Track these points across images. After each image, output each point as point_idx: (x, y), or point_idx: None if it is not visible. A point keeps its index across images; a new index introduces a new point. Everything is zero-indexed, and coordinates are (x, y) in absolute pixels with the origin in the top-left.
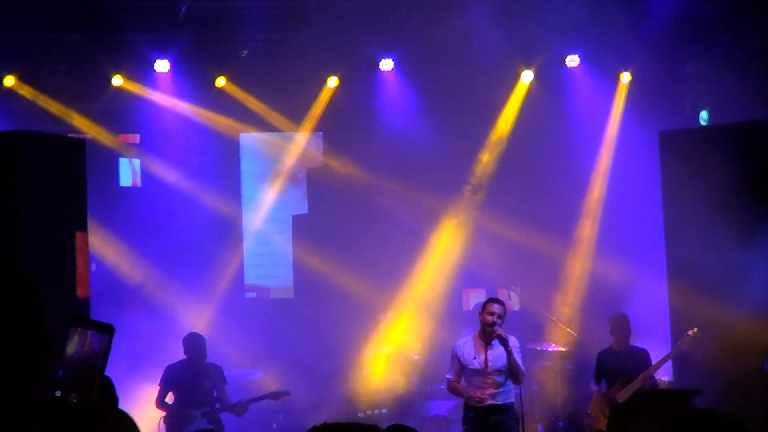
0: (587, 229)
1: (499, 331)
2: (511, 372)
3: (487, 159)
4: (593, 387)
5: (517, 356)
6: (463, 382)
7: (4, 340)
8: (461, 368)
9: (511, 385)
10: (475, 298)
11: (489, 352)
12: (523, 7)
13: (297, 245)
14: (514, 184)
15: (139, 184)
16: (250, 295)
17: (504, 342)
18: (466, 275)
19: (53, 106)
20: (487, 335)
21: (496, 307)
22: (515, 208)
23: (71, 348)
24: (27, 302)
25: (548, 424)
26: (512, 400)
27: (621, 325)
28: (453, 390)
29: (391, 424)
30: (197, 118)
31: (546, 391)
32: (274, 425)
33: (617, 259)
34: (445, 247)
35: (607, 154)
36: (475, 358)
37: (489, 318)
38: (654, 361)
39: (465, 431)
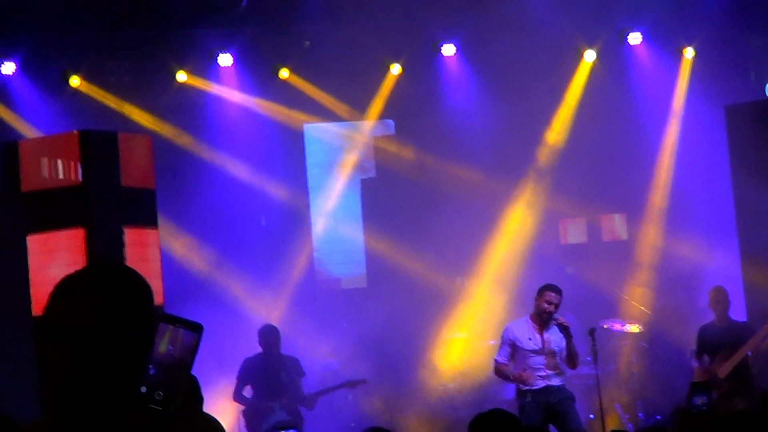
0: (656, 206)
1: (560, 319)
2: (570, 357)
3: (553, 140)
4: (694, 363)
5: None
6: (513, 368)
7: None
8: (513, 351)
9: (564, 367)
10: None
11: (546, 333)
12: None
13: (368, 233)
14: (582, 164)
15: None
16: (323, 284)
17: (566, 330)
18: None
19: (119, 104)
20: (543, 319)
21: (552, 296)
22: (582, 189)
23: (162, 345)
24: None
25: (626, 404)
26: (565, 382)
27: (721, 298)
28: (501, 373)
29: (471, 409)
30: (261, 110)
31: (621, 370)
32: (352, 424)
33: (688, 235)
34: (515, 229)
35: (674, 131)
36: (530, 339)
37: (546, 306)
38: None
39: (524, 414)
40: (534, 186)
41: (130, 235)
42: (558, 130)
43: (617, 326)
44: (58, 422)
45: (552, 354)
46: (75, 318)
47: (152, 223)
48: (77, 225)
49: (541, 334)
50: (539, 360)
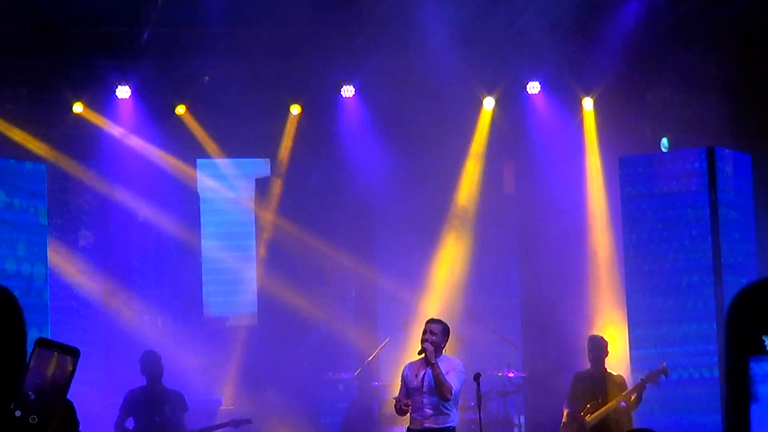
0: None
1: (426, 345)
2: (436, 386)
3: (467, 189)
4: (565, 408)
5: (454, 376)
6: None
7: None
8: (406, 388)
9: (452, 407)
10: None
11: (428, 370)
12: (483, 34)
13: (261, 269)
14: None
15: None
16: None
17: (426, 355)
18: None
19: (13, 133)
20: (423, 352)
21: (428, 326)
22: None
23: (35, 369)
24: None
25: None
26: (452, 424)
27: (598, 348)
28: (396, 409)
29: None
30: (157, 145)
31: (505, 416)
32: None
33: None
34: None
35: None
36: (416, 375)
37: (422, 336)
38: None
39: None
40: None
41: None
42: (468, 179)
43: (502, 373)
44: None
45: (433, 393)
46: None
47: None
48: None
49: (424, 371)
50: (419, 399)
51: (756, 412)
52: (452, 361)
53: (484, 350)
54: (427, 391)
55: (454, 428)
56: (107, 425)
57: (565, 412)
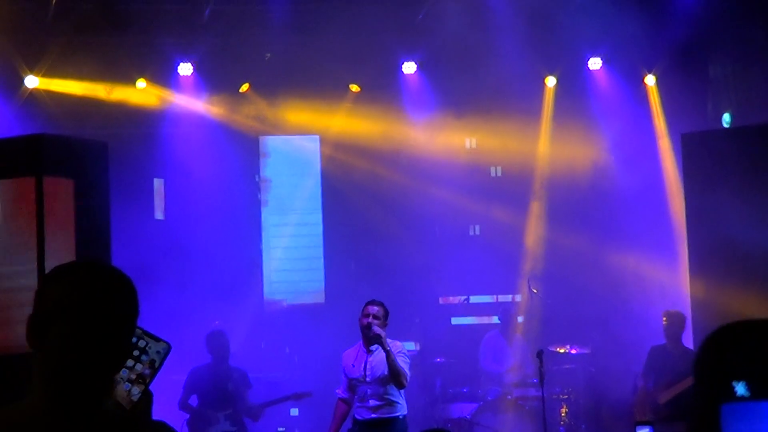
0: (609, 229)
1: (376, 330)
2: (391, 374)
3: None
4: (640, 382)
5: (401, 360)
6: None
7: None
8: (347, 379)
9: (400, 395)
10: None
11: (369, 358)
12: (545, 10)
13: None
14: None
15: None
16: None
17: (380, 341)
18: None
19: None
20: (368, 340)
21: (371, 309)
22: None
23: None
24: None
25: (570, 427)
26: (400, 413)
27: (676, 323)
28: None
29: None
30: (219, 120)
31: (567, 393)
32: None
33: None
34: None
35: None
36: (353, 365)
37: (364, 320)
38: None
39: None
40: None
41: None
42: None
43: (565, 349)
44: (49, 404)
45: (378, 381)
46: (96, 305)
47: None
48: None
49: (366, 360)
50: (363, 389)
51: None
52: (396, 345)
53: (546, 326)
54: (371, 381)
55: (404, 417)
56: (171, 403)
57: (640, 387)
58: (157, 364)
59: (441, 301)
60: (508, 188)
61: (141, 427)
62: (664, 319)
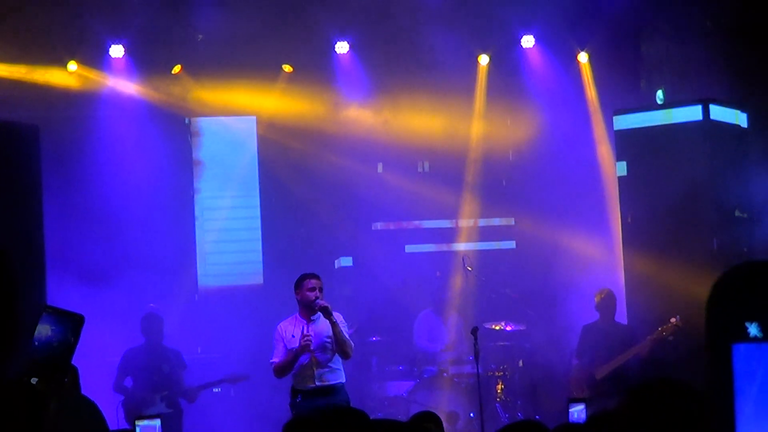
0: (543, 206)
1: (322, 302)
2: (339, 345)
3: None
4: (575, 361)
5: (344, 330)
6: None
7: None
8: (285, 350)
9: (340, 363)
10: None
11: (310, 326)
12: None
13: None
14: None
15: None
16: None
17: (327, 313)
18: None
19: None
20: (309, 311)
21: (313, 282)
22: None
23: (41, 333)
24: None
25: (506, 403)
26: (342, 380)
27: (608, 300)
28: (280, 368)
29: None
30: (152, 102)
31: (502, 370)
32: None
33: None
34: None
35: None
36: (293, 336)
37: (310, 294)
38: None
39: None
40: None
41: None
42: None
43: (500, 326)
44: None
45: (320, 349)
46: None
47: None
48: None
49: (305, 329)
50: (305, 357)
51: (739, 397)
52: (338, 317)
53: (480, 304)
54: (314, 348)
55: (343, 384)
56: (106, 385)
57: (575, 365)
58: (72, 341)
59: None
60: (441, 169)
61: (41, 398)
62: (597, 297)
